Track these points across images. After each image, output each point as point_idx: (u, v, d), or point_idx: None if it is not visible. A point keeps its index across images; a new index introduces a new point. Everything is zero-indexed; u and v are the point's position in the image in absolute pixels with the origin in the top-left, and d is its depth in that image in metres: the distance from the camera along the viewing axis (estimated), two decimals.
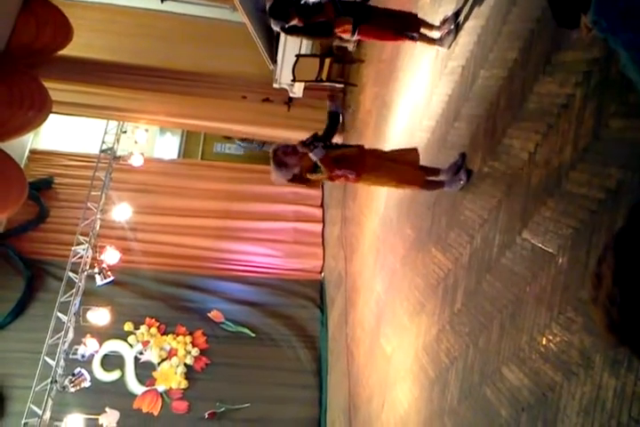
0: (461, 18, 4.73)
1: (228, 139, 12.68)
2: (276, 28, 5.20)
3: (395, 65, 6.85)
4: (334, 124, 4.57)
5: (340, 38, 5.23)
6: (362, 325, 7.13)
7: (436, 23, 5.01)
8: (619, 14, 1.67)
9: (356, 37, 5.10)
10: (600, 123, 2.74)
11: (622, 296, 1.17)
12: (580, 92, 2.94)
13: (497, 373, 3.40)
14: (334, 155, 4.25)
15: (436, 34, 5.02)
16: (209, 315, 9.86)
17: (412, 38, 5.02)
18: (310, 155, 4.16)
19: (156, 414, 9.22)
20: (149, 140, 11.33)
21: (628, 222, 1.27)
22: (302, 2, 4.87)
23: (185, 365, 9.53)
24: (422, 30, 5.01)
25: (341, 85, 9.59)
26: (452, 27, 4.81)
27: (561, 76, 3.14)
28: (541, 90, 3.33)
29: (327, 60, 8.23)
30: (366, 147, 4.56)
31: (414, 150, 4.54)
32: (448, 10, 4.96)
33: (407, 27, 4.95)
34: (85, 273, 9.00)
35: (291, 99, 9.34)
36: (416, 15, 5.07)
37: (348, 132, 9.11)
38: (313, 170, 4.24)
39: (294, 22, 4.95)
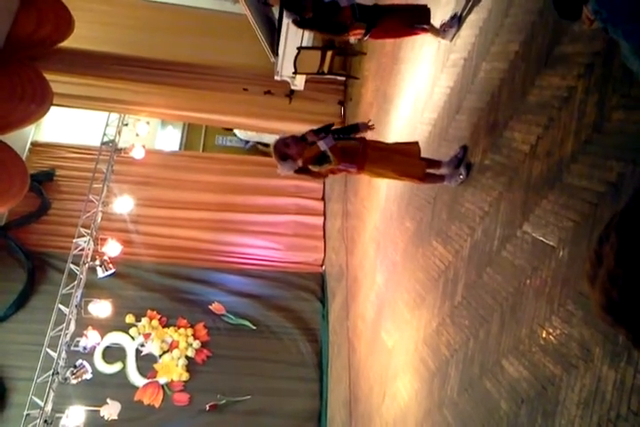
0: (464, 10, 4.71)
1: (229, 130, 12.65)
2: (288, 19, 5.13)
3: (396, 57, 6.83)
4: (350, 130, 4.54)
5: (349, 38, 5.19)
6: (363, 317, 7.14)
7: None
8: (620, 4, 1.66)
9: (366, 39, 5.07)
10: (601, 115, 2.74)
11: (624, 278, 1.16)
12: (582, 84, 2.93)
13: (497, 365, 3.40)
14: (340, 146, 4.25)
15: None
16: (210, 307, 9.90)
17: (424, 29, 4.97)
18: (319, 143, 4.15)
19: (157, 406, 9.27)
20: (151, 132, 11.31)
21: (633, 204, 1.25)
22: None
23: (186, 357, 9.57)
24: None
25: (343, 78, 9.57)
26: (455, 19, 4.79)
27: (562, 69, 3.13)
28: (543, 82, 3.32)
29: (329, 53, 8.18)
30: (368, 139, 4.56)
31: (415, 143, 4.54)
32: (451, 2, 4.94)
33: (418, 18, 4.89)
34: (87, 265, 9.02)
35: (292, 91, 9.32)
36: (426, 6, 4.99)
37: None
38: (318, 161, 4.23)
39: (308, 15, 4.90)
